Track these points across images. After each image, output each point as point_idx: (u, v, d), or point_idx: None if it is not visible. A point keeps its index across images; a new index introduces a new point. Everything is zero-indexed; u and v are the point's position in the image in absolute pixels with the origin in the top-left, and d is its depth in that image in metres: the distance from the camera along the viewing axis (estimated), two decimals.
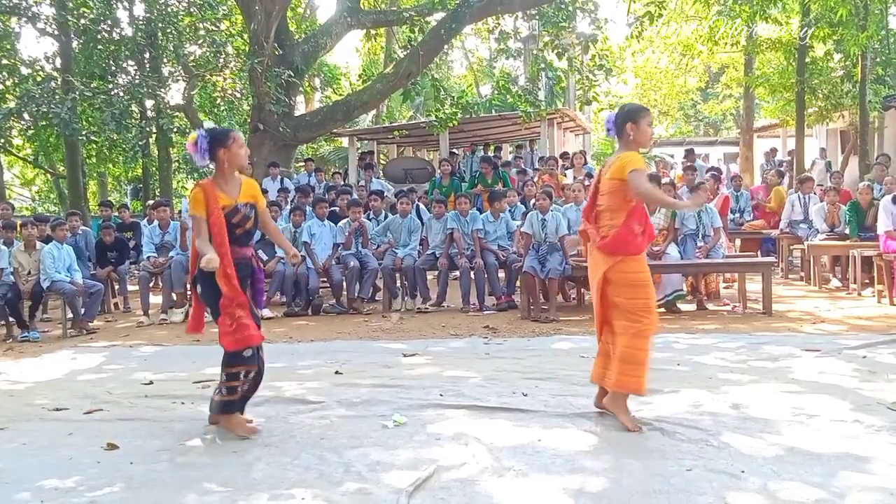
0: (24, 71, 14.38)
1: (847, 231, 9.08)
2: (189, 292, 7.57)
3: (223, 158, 3.88)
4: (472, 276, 8.36)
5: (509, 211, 9.24)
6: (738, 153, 21.99)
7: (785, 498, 2.87)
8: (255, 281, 4.05)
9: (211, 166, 3.99)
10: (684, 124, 35.10)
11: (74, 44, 14.37)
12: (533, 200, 8.99)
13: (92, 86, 13.26)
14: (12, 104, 13.34)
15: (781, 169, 14.07)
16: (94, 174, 20.82)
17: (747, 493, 2.92)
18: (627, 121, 3.86)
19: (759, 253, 10.35)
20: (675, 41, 20.84)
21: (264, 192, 10.74)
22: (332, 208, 9.63)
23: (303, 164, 14.15)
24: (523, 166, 13.61)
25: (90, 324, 8.15)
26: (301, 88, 15.77)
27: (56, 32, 14.00)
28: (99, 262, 9.57)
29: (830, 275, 9.66)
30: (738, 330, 6.63)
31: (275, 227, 4.64)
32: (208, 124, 4.03)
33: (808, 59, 15.26)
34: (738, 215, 11.11)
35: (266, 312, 8.13)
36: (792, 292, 9.06)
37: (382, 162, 19.30)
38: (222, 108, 17.01)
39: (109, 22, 14.01)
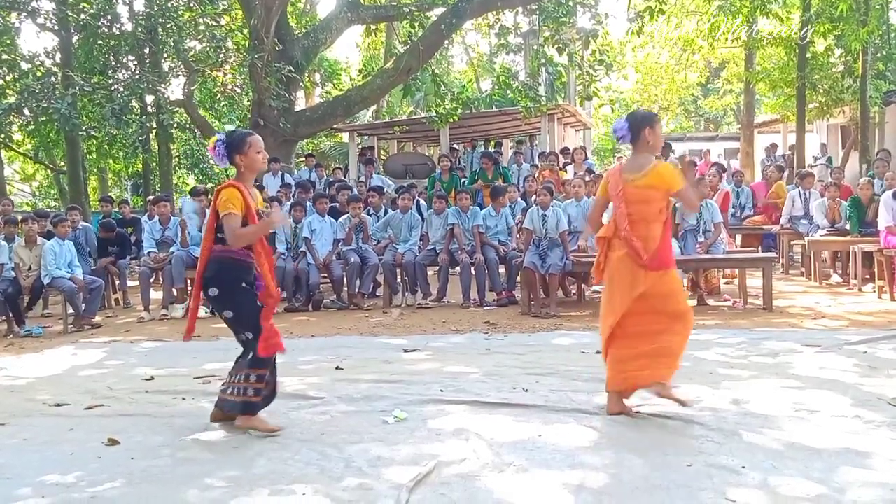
0: (24, 66, 14.40)
1: (848, 227, 9.09)
2: (191, 288, 7.55)
3: (241, 163, 3.86)
4: (473, 271, 8.36)
5: (510, 206, 9.24)
6: (739, 149, 21.97)
7: (785, 493, 2.87)
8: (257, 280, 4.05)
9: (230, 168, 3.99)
10: (685, 120, 35.07)
11: (74, 39, 14.38)
12: (534, 196, 9.00)
13: (92, 81, 13.27)
14: (12, 99, 13.36)
15: (781, 164, 14.04)
16: (95, 170, 20.85)
17: (748, 489, 2.92)
18: (645, 126, 3.89)
19: (759, 248, 10.36)
20: (675, 37, 20.78)
21: (263, 188, 10.88)
22: (333, 204, 9.63)
23: (303, 159, 14.13)
24: (523, 162, 13.63)
25: (92, 319, 8.14)
26: (301, 84, 15.75)
27: (56, 28, 14.01)
28: (100, 256, 9.56)
29: (831, 270, 9.66)
30: (738, 325, 6.64)
31: None
32: (229, 127, 4.05)
33: (808, 55, 15.23)
34: (738, 211, 11.10)
35: None
36: (792, 288, 9.07)
37: (383, 157, 19.29)
38: (222, 103, 17.01)
39: (109, 17, 14.01)
